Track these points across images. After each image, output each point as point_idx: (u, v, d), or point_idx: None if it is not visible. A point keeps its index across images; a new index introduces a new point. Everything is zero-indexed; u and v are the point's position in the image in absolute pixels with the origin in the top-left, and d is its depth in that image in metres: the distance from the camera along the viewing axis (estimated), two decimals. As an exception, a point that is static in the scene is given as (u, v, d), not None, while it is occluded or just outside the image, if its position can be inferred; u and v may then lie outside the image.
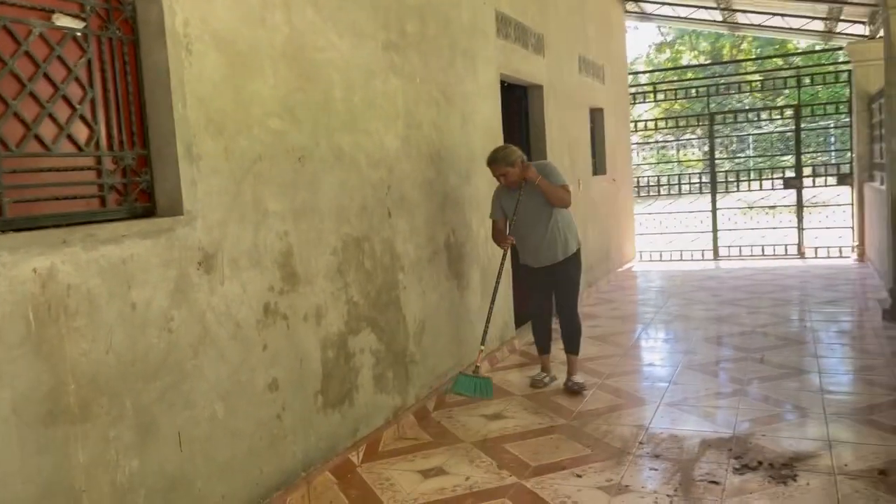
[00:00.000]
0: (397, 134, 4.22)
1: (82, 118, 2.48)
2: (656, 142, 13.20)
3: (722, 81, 13.00)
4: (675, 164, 15.21)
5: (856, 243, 9.97)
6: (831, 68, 10.90)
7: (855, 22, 9.59)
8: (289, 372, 3.24)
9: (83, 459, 2.28)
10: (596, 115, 8.91)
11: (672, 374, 5.02)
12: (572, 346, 4.82)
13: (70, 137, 2.44)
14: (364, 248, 3.87)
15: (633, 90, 11.44)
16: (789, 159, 11.24)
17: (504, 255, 4.73)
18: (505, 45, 5.90)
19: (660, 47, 28.56)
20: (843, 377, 4.83)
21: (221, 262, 2.87)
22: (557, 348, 5.05)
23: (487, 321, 4.59)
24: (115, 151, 2.59)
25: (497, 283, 4.67)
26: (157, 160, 2.70)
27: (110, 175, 2.57)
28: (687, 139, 14.53)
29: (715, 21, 11.19)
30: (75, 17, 2.45)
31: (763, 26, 10.86)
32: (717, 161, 11.16)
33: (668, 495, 3.14)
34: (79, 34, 2.46)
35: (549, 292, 4.85)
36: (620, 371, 5.19)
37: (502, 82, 5.91)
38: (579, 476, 3.40)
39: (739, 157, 12.37)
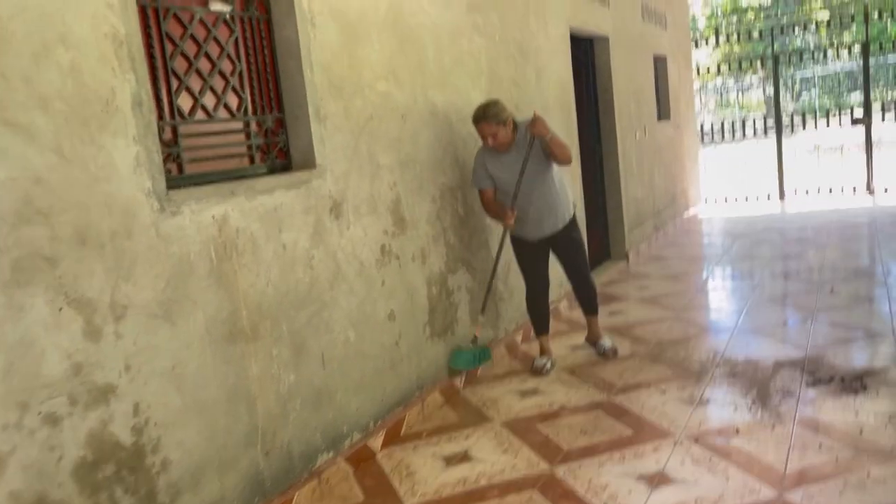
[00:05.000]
0: (481, 90, 4.56)
1: (233, 89, 2.92)
2: (717, 86, 13.14)
3: (785, 21, 12.82)
4: (738, 107, 15.07)
5: (927, 179, 9.89)
6: (901, 1, 10.69)
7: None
8: (403, 305, 3.69)
9: (255, 371, 2.77)
10: (659, 62, 9.02)
11: (743, 306, 5.31)
12: (593, 307, 4.54)
13: (225, 105, 2.88)
14: (457, 195, 4.27)
15: (693, 35, 11.42)
16: (856, 97, 11.13)
17: (505, 230, 4.22)
18: (573, -2, 6.13)
19: (718, -12, 27.81)
20: (911, 304, 5.05)
21: (347, 209, 3.31)
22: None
23: (487, 292, 4.28)
24: (258, 116, 3.02)
25: (498, 254, 4.23)
26: (292, 121, 3.13)
27: (256, 136, 3.01)
28: (748, 83, 14.38)
29: (778, -41, 11.03)
30: (224, 1, 2.87)
31: (828, -38, 10.66)
32: (781, 102, 11.12)
33: (746, 405, 3.50)
34: (227, 16, 2.88)
35: (547, 264, 4.41)
36: (693, 305, 5.51)
37: (571, 36, 6.16)
38: (663, 392, 3.77)
39: (804, 98, 12.26)
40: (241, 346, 2.71)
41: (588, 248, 6.23)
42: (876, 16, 10.93)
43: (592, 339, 4.59)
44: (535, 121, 3.94)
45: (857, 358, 3.99)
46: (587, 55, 6.93)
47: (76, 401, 2.13)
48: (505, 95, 4.85)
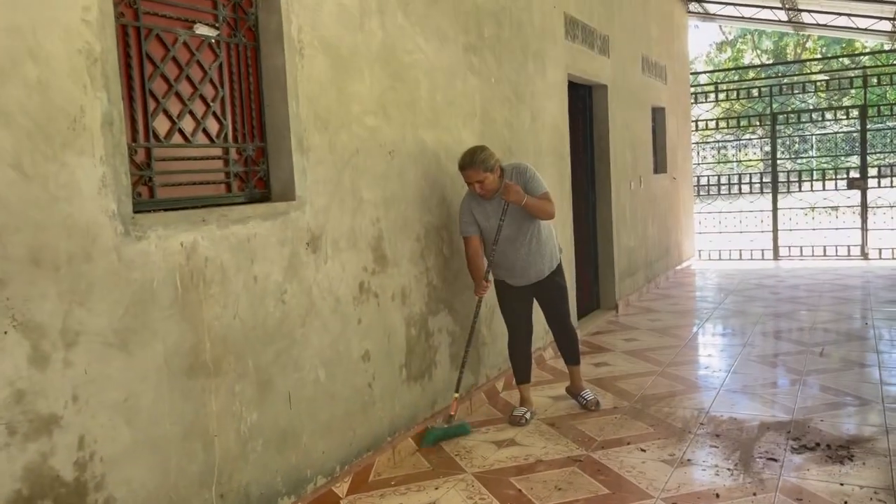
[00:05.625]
0: (473, 130, 4.52)
1: (214, 114, 2.84)
2: (716, 141, 13.21)
3: (785, 81, 12.93)
4: (735, 163, 15.14)
5: (921, 245, 9.87)
6: (899, 68, 10.79)
7: (924, 21, 9.51)
8: (379, 345, 3.58)
9: (216, 408, 2.64)
10: (657, 114, 9.06)
11: (731, 364, 5.20)
12: (575, 357, 4.42)
13: (205, 130, 2.81)
14: (443, 235, 4.19)
15: (693, 90, 11.50)
16: (854, 160, 11.17)
17: (479, 299, 4.09)
18: (572, 46, 6.14)
19: (721, 46, 28.24)
20: (902, 371, 4.95)
21: (325, 243, 3.21)
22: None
23: (462, 366, 4.06)
24: (239, 143, 2.95)
25: (473, 324, 4.11)
26: (273, 151, 3.06)
27: (235, 164, 2.93)
28: (747, 139, 14.48)
29: (780, 21, 11.17)
30: (211, 26, 2.82)
31: (829, 26, 10.81)
32: (778, 161, 11.17)
33: (728, 469, 3.37)
34: (213, 41, 2.83)
35: (531, 311, 4.32)
36: (680, 361, 5.39)
37: (569, 82, 6.15)
38: (643, 450, 3.64)
39: (802, 158, 12.31)
40: (202, 381, 2.59)
41: (577, 297, 6.20)
42: (875, 81, 11.02)
43: (574, 391, 4.46)
44: (507, 191, 3.88)
45: (845, 425, 3.87)
46: (585, 102, 6.93)
47: (15, 431, 2.01)
48: (498, 137, 4.81)
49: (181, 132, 2.71)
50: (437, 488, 3.33)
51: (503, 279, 4.21)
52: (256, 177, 3.03)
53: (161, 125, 2.63)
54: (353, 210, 3.42)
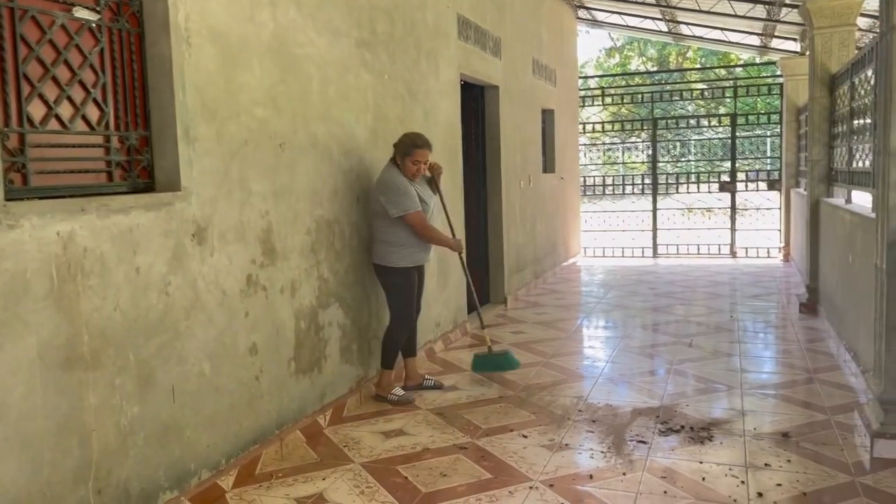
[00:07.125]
0: (366, 125, 4.56)
1: (95, 101, 2.76)
2: (603, 143, 13.80)
3: (667, 88, 13.67)
4: (621, 165, 15.84)
5: (782, 244, 10.71)
6: (769, 80, 11.64)
7: (788, 38, 10.30)
8: (267, 338, 3.57)
9: (93, 402, 2.58)
10: (547, 116, 9.38)
11: (610, 355, 5.50)
12: (415, 349, 4.80)
13: (84, 117, 2.73)
14: (335, 229, 4.21)
15: (582, 93, 11.97)
16: (728, 165, 11.96)
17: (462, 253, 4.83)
18: (465, 46, 6.29)
19: (610, 52, 29.39)
20: (761, 360, 5.39)
21: (212, 235, 3.18)
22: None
23: (479, 307, 5.15)
24: (121, 132, 2.88)
25: (466, 275, 5.10)
26: (158, 141, 3.00)
27: (117, 153, 2.86)
28: (632, 142, 15.20)
29: (660, 31, 11.80)
30: (91, 10, 2.74)
31: (704, 38, 11.51)
32: (659, 164, 11.81)
33: (602, 452, 3.59)
34: (94, 25, 2.74)
35: None
36: (564, 352, 5.64)
37: (462, 82, 6.30)
38: (525, 437, 3.81)
39: (682, 162, 13.09)
40: (79, 374, 2.52)
41: (468, 291, 6.35)
42: (745, 91, 11.84)
43: (419, 380, 4.70)
44: (440, 169, 4.68)
45: (708, 409, 4.19)
46: (478, 102, 7.10)
47: None
48: (391, 133, 4.86)
49: (58, 118, 2.62)
50: (324, 479, 3.37)
51: (412, 264, 4.43)
52: (140, 166, 2.96)
53: (36, 110, 2.54)
54: (242, 202, 3.40)
